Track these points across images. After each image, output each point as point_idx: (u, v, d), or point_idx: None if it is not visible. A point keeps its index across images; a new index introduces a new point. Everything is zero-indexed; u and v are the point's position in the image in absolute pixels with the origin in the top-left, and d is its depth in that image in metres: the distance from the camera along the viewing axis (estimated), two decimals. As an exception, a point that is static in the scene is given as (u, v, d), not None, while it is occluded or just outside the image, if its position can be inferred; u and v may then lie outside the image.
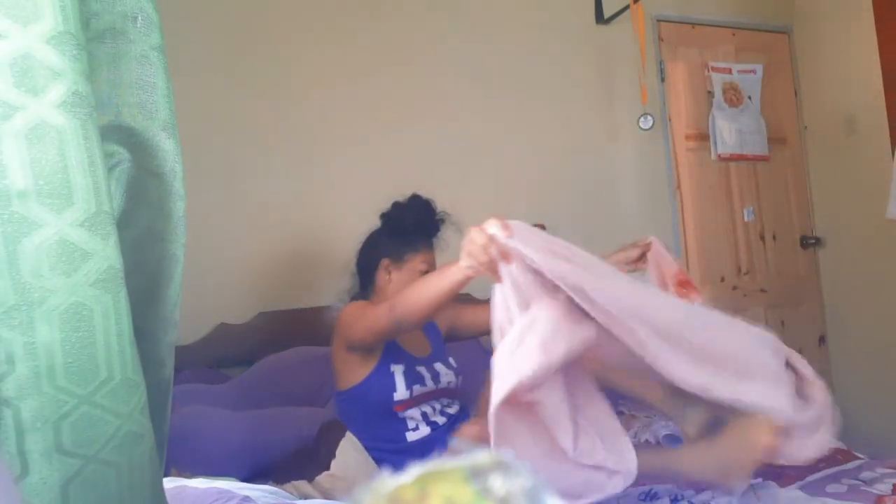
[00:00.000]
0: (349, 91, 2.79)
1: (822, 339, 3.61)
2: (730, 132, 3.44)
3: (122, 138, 0.68)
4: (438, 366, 1.88)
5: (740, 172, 3.50)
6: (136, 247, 0.70)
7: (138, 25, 0.68)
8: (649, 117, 3.14)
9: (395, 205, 1.98)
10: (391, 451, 1.79)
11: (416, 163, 2.87)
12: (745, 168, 3.51)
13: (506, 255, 1.24)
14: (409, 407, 1.79)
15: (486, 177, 2.98)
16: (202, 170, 2.43)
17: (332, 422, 1.83)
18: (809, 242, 3.64)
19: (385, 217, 1.98)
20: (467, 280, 1.35)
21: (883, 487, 1.45)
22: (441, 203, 2.87)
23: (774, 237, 3.58)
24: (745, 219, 3.50)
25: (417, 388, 1.79)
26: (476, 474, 0.33)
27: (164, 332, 0.74)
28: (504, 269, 1.25)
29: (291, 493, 1.73)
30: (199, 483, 1.43)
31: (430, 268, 1.87)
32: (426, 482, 0.33)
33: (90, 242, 0.59)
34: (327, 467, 1.73)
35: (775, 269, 3.56)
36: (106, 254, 0.60)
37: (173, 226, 0.72)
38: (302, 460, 1.83)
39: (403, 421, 1.79)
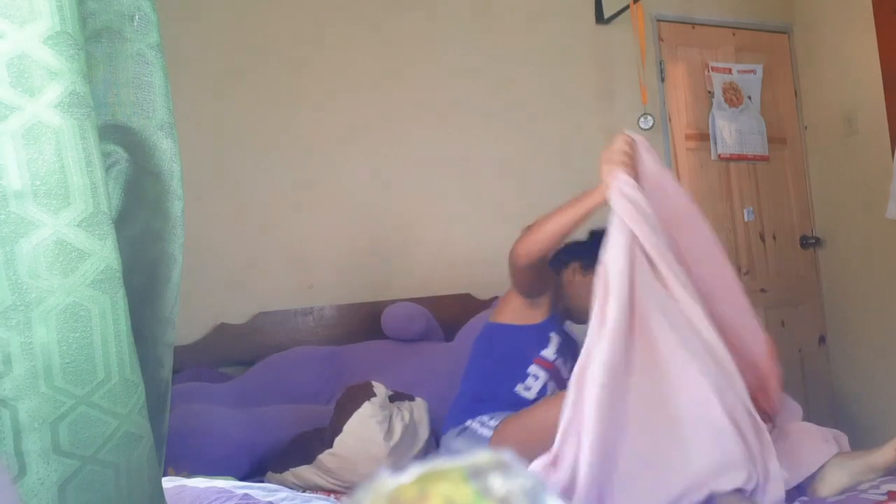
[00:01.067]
0: (349, 92, 2.79)
1: (822, 339, 3.61)
2: (730, 132, 3.44)
3: (119, 138, 0.68)
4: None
5: (740, 172, 3.50)
6: (133, 247, 0.70)
7: (135, 24, 0.68)
8: (649, 117, 3.13)
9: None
10: (488, 396, 1.88)
11: (415, 163, 2.87)
12: (745, 168, 3.51)
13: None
14: (543, 369, 1.90)
15: (486, 176, 2.98)
16: (202, 170, 2.43)
17: (342, 403, 1.83)
18: (809, 242, 3.64)
19: (595, 234, 2.02)
20: (601, 202, 1.61)
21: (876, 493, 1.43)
22: (441, 201, 2.88)
23: (774, 237, 3.58)
24: (745, 219, 3.50)
25: (559, 362, 1.94)
26: (476, 474, 0.33)
27: (162, 332, 0.74)
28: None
29: (292, 483, 1.74)
30: (198, 483, 1.43)
31: None
32: (426, 482, 0.33)
33: (87, 243, 0.59)
34: (331, 445, 1.75)
35: (775, 269, 3.56)
36: (103, 254, 0.60)
37: (171, 225, 0.72)
38: (306, 442, 1.84)
39: (525, 376, 1.91)
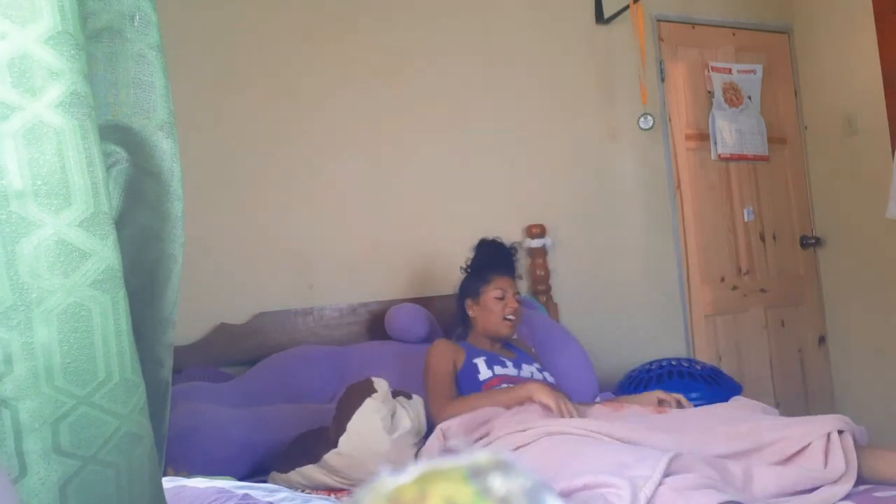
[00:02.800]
0: (349, 92, 2.79)
1: (822, 339, 3.61)
2: (730, 132, 3.44)
3: (119, 138, 0.68)
4: (524, 366, 2.18)
5: (740, 172, 3.50)
6: (133, 247, 0.70)
7: (136, 24, 0.68)
8: (649, 117, 3.13)
9: (473, 251, 2.38)
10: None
11: (415, 164, 2.87)
12: (745, 168, 3.51)
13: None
14: (496, 385, 2.04)
15: (486, 176, 2.98)
16: (202, 170, 2.43)
17: (344, 402, 1.83)
18: (809, 242, 3.64)
19: (463, 268, 2.37)
20: (527, 401, 1.89)
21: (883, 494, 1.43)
22: (441, 203, 2.88)
23: (774, 237, 3.58)
24: (745, 219, 3.50)
25: (499, 369, 2.11)
26: (476, 474, 0.33)
27: (162, 332, 0.74)
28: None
29: (298, 483, 1.74)
30: (198, 483, 1.43)
31: (507, 293, 2.22)
32: (426, 482, 0.33)
33: (88, 243, 0.59)
34: (335, 445, 1.74)
35: (775, 269, 3.56)
36: (104, 254, 0.60)
37: (171, 225, 0.72)
38: (309, 441, 1.84)
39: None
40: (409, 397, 1.93)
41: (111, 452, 0.61)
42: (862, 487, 1.45)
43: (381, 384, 1.82)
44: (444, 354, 2.11)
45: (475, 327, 2.26)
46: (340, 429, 1.75)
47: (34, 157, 0.57)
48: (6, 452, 0.57)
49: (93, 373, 0.59)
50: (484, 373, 2.11)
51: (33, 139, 0.56)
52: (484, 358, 2.14)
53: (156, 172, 0.70)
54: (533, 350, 2.40)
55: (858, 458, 1.48)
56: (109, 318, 0.60)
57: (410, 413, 1.86)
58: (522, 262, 2.82)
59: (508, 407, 1.89)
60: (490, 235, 2.37)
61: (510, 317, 2.20)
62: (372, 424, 1.74)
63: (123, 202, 0.69)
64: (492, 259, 2.30)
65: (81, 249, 0.59)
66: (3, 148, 0.55)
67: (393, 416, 1.81)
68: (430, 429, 1.97)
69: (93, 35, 0.66)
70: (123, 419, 0.62)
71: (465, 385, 2.09)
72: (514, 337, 2.33)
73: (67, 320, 0.58)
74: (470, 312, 2.27)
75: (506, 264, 2.31)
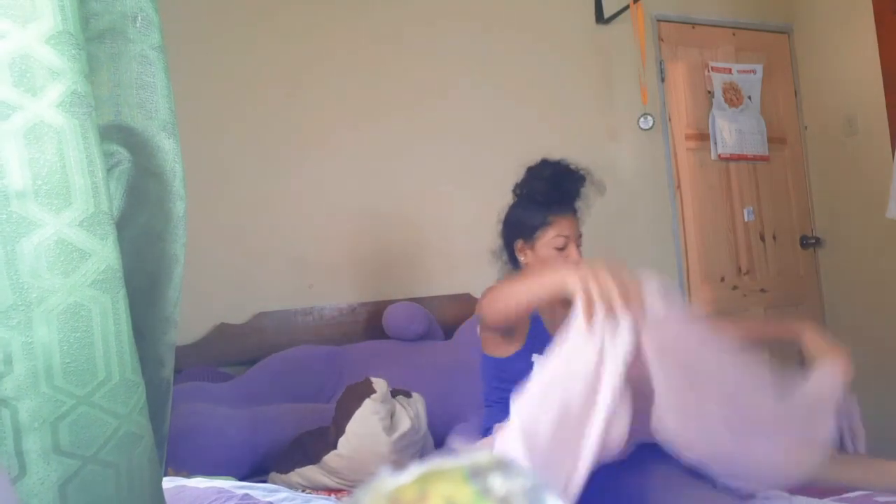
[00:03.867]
0: (349, 92, 2.79)
1: (821, 340, 3.61)
2: (730, 132, 3.44)
3: (122, 138, 0.68)
4: None
5: (740, 172, 3.50)
6: (135, 247, 0.70)
7: (138, 25, 0.68)
8: (649, 117, 3.13)
9: (527, 172, 1.82)
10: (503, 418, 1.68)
11: (414, 163, 2.87)
12: (745, 168, 3.51)
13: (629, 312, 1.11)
14: None
15: (485, 176, 2.98)
16: (202, 170, 2.43)
17: (343, 403, 1.83)
18: (809, 242, 3.64)
19: (514, 190, 1.82)
20: (565, 293, 1.21)
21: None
22: (440, 203, 2.88)
23: (774, 237, 3.58)
24: (745, 219, 3.50)
25: None
26: (476, 474, 0.33)
27: (163, 332, 0.74)
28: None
29: (298, 483, 1.74)
30: (198, 483, 1.43)
31: (569, 240, 1.73)
32: (426, 482, 0.33)
33: (88, 242, 0.59)
34: (335, 447, 1.74)
35: (775, 269, 3.56)
36: (104, 254, 0.60)
37: (173, 226, 0.72)
38: (309, 441, 1.84)
39: None
40: (408, 396, 1.93)
41: (111, 452, 0.61)
42: (862, 493, 1.45)
43: (380, 384, 1.81)
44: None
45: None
46: (339, 430, 1.75)
47: (35, 156, 0.57)
48: (6, 452, 0.57)
49: (92, 372, 0.59)
50: None
51: (34, 139, 0.57)
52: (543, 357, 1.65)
53: (158, 173, 0.71)
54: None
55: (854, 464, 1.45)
56: (109, 318, 0.61)
57: (410, 412, 1.86)
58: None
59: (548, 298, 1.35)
60: (554, 157, 1.84)
61: None
62: (371, 426, 1.74)
63: (126, 202, 0.69)
64: (557, 189, 1.76)
65: (81, 249, 0.59)
66: (3, 147, 0.56)
67: (392, 416, 1.81)
68: (431, 428, 1.97)
69: (95, 36, 0.66)
70: (123, 419, 0.62)
71: (513, 378, 1.55)
72: None
73: (67, 320, 0.58)
74: (521, 257, 1.77)
75: (572, 200, 1.78)
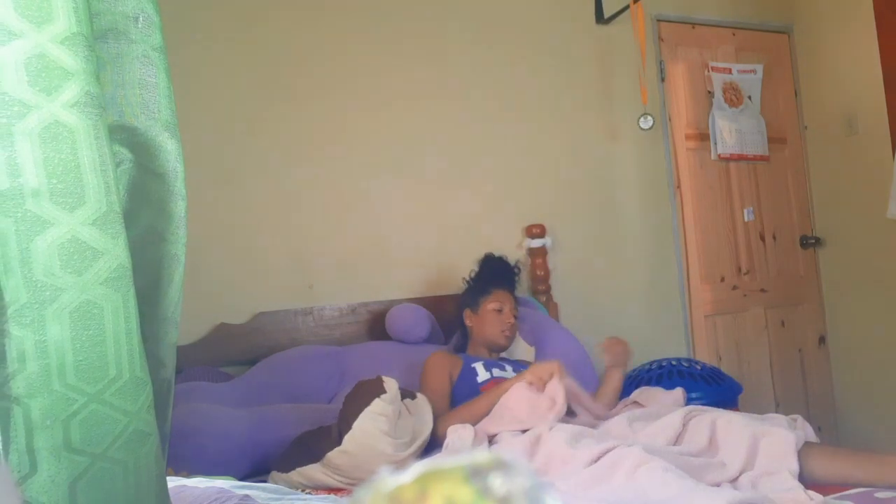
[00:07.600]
0: (349, 92, 2.79)
1: (822, 339, 3.61)
2: (730, 132, 3.44)
3: (124, 138, 0.68)
4: (521, 370, 2.16)
5: (740, 172, 3.51)
6: (137, 247, 0.70)
7: (139, 26, 0.68)
8: (649, 117, 3.14)
9: (477, 265, 2.43)
10: None
11: (414, 162, 2.87)
12: (745, 168, 3.52)
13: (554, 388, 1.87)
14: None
15: (485, 176, 2.98)
16: (202, 170, 2.43)
17: (352, 399, 1.82)
18: (809, 242, 3.64)
19: (466, 279, 2.43)
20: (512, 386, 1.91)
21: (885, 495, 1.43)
22: (441, 203, 2.89)
23: (774, 237, 3.58)
24: (745, 219, 3.50)
25: (497, 371, 2.14)
26: (476, 474, 0.33)
27: (165, 332, 0.74)
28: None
29: (299, 483, 1.74)
30: (198, 483, 1.43)
31: (504, 306, 2.28)
32: (426, 482, 0.33)
33: (101, 241, 0.60)
34: (340, 443, 1.74)
35: (775, 269, 3.56)
36: (116, 252, 0.61)
37: (174, 226, 0.73)
38: (309, 441, 1.83)
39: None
40: (413, 397, 1.93)
41: (120, 450, 0.61)
42: (862, 489, 1.45)
43: (391, 384, 1.80)
44: (442, 366, 2.13)
45: (472, 337, 2.33)
46: (347, 426, 1.74)
47: (49, 155, 0.57)
48: (17, 450, 0.57)
49: (103, 370, 0.60)
50: (482, 375, 2.13)
51: (49, 138, 0.57)
52: (482, 362, 2.19)
53: (160, 173, 0.71)
54: (533, 348, 2.42)
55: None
56: (120, 317, 0.61)
57: (414, 414, 1.86)
58: (524, 281, 2.82)
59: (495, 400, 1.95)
60: (496, 252, 2.45)
61: (506, 332, 2.27)
62: (378, 425, 1.73)
63: (128, 202, 0.69)
64: (494, 273, 2.37)
65: (94, 248, 0.59)
66: (19, 147, 0.56)
67: (398, 416, 1.80)
68: (433, 431, 1.97)
69: (98, 35, 0.66)
70: (132, 417, 0.62)
71: (464, 389, 2.10)
72: (503, 355, 2.35)
73: (80, 318, 0.59)
74: (467, 322, 2.34)
75: (507, 280, 2.37)
